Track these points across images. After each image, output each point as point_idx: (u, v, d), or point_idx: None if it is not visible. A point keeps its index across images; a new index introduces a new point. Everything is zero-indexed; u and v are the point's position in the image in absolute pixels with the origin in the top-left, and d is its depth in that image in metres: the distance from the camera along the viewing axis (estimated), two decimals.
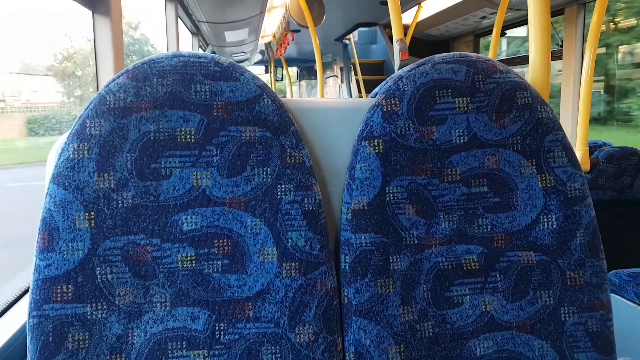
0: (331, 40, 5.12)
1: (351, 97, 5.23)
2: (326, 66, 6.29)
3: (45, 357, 0.64)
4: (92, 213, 0.66)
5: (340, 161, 0.79)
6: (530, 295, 0.75)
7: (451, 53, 0.79)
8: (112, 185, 0.67)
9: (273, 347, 0.69)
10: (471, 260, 0.76)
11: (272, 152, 0.72)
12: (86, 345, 0.65)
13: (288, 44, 4.60)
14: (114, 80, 0.70)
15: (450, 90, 0.75)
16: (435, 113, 0.75)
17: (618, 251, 1.92)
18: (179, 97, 0.70)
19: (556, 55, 2.64)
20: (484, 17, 3.22)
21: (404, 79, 0.76)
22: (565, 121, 2.44)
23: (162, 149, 0.69)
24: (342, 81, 5.98)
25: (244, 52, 5.71)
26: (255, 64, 7.58)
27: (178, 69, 0.70)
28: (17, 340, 0.84)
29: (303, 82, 8.02)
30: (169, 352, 0.67)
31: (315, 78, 7.85)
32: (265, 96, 0.73)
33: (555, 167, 0.77)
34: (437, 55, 0.79)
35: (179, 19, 2.88)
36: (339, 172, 0.79)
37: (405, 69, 0.79)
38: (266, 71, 7.35)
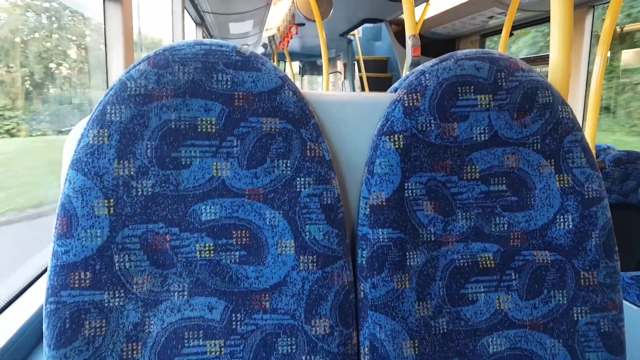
0: (336, 35, 5.11)
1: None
2: (330, 62, 6.28)
3: (62, 344, 0.64)
4: (112, 200, 0.66)
5: (358, 156, 0.79)
6: (544, 294, 0.76)
7: (474, 49, 0.79)
8: (131, 173, 0.67)
9: (289, 339, 0.69)
10: (487, 258, 0.76)
11: (293, 144, 0.72)
12: (103, 333, 0.65)
13: (292, 37, 4.59)
14: (135, 66, 0.69)
15: (472, 87, 0.75)
16: (457, 110, 0.75)
17: (621, 254, 1.92)
18: (200, 85, 0.69)
19: None
20: (491, 17, 3.22)
21: (427, 74, 0.76)
22: None
23: (183, 138, 0.69)
24: (345, 77, 5.98)
25: (247, 45, 5.70)
26: None
27: (200, 57, 0.70)
28: (32, 325, 0.83)
29: (305, 77, 8.00)
30: (186, 341, 0.67)
31: (318, 74, 7.83)
32: (286, 88, 0.72)
33: (574, 168, 0.77)
34: (459, 51, 0.78)
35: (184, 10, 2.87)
36: (357, 166, 0.79)
37: (427, 64, 0.78)
38: None
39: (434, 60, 0.78)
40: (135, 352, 0.66)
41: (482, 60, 0.77)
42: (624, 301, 1.61)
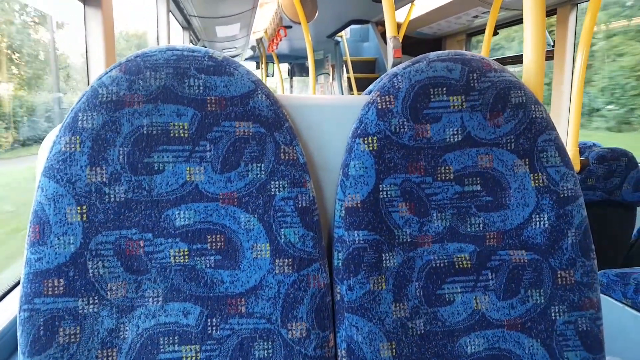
0: (323, 37, 5.11)
1: (343, 94, 5.22)
2: (318, 63, 6.28)
3: (36, 351, 0.63)
4: (84, 207, 0.66)
5: (333, 158, 0.79)
6: (522, 293, 0.76)
7: (446, 51, 0.79)
8: (104, 179, 0.66)
9: (265, 343, 0.69)
10: (463, 258, 0.76)
11: (266, 148, 0.72)
12: (77, 340, 0.65)
13: (280, 40, 4.59)
14: (107, 73, 0.69)
15: (445, 89, 0.76)
16: (430, 111, 0.75)
17: (606, 251, 1.94)
18: (172, 91, 0.69)
19: (547, 56, 2.66)
20: (476, 16, 3.24)
21: (399, 76, 0.76)
22: (555, 121, 2.45)
23: (155, 143, 0.68)
24: (333, 78, 5.98)
25: (235, 48, 5.68)
26: (247, 59, 7.54)
27: (171, 62, 0.70)
28: (8, 334, 0.83)
29: (295, 79, 7.99)
30: (161, 346, 0.67)
31: (307, 75, 7.83)
32: (259, 92, 0.72)
33: (548, 167, 0.77)
34: (432, 53, 0.79)
35: (169, 13, 2.86)
36: (332, 169, 0.79)
37: (400, 66, 0.78)
38: (257, 67, 7.32)
39: (407, 63, 0.79)
40: (110, 358, 0.66)
41: (454, 61, 0.77)
42: (610, 299, 1.62)
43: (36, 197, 0.65)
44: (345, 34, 5.22)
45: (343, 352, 0.72)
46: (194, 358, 0.68)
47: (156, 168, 0.68)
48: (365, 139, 0.74)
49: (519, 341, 0.75)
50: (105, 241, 0.66)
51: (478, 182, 0.77)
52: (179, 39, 4.08)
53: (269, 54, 5.95)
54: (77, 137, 0.66)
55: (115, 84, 0.68)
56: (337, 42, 5.37)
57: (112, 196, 0.67)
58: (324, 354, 0.71)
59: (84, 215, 0.66)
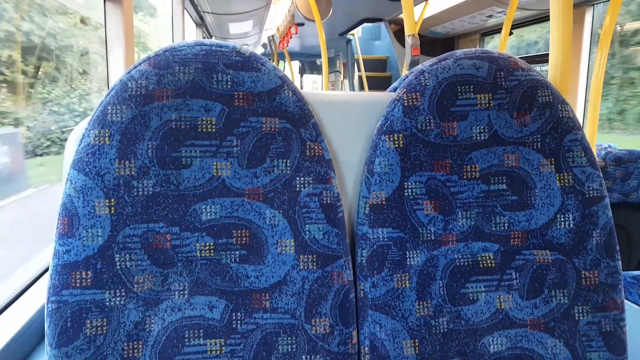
0: (335, 35, 5.11)
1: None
2: (329, 62, 6.28)
3: (63, 343, 0.64)
4: (113, 200, 0.66)
5: (358, 155, 0.79)
6: (545, 293, 0.76)
7: (473, 49, 0.79)
8: (132, 173, 0.67)
9: (289, 338, 0.69)
10: (487, 257, 0.76)
11: (292, 144, 0.72)
12: (104, 332, 0.65)
13: (291, 37, 4.59)
14: (136, 67, 0.69)
15: (472, 86, 0.75)
16: (457, 109, 0.75)
17: (622, 254, 1.92)
18: (200, 86, 0.69)
19: None
20: (490, 16, 3.22)
21: (426, 73, 0.76)
22: None
23: (183, 138, 0.69)
24: (344, 77, 5.97)
25: (247, 45, 5.69)
26: None
27: (200, 57, 0.70)
28: (34, 324, 0.84)
29: (305, 77, 8.00)
30: (186, 340, 0.67)
31: (317, 73, 7.83)
32: (286, 87, 0.72)
33: (574, 167, 0.77)
34: (459, 51, 0.79)
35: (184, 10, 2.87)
36: (356, 165, 0.79)
37: (426, 63, 0.78)
38: None
39: (433, 60, 0.78)
40: (136, 350, 0.66)
41: (481, 59, 0.77)
42: (626, 301, 1.61)
43: (65, 190, 0.66)
44: (357, 32, 5.22)
45: (366, 348, 0.72)
46: (218, 352, 0.68)
47: (184, 162, 0.69)
48: (391, 136, 0.74)
49: (542, 341, 0.75)
50: (133, 234, 0.67)
51: (504, 181, 0.76)
52: (192, 36, 4.10)
53: (280, 51, 5.95)
54: (107, 131, 0.66)
55: (144, 78, 0.68)
56: (349, 41, 5.37)
57: (140, 190, 0.67)
58: (347, 350, 0.71)
59: (112, 208, 0.66)
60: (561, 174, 0.77)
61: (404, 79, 0.79)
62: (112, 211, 0.66)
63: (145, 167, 0.67)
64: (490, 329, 0.74)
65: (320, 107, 0.78)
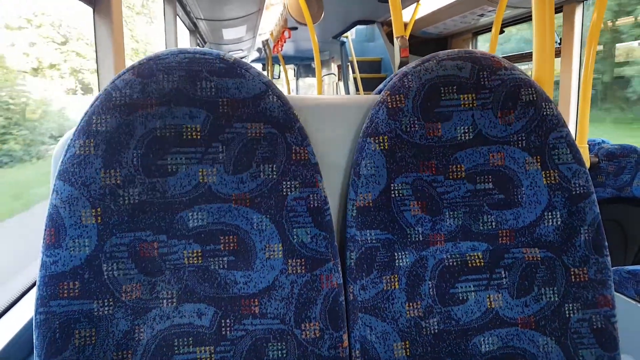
0: (329, 37, 5.12)
1: (349, 95, 5.22)
2: (324, 64, 6.29)
3: (52, 354, 0.64)
4: (99, 209, 0.66)
5: (344, 157, 0.79)
6: (535, 291, 0.76)
7: (456, 50, 0.79)
8: (118, 182, 0.67)
9: (279, 344, 0.69)
10: (476, 257, 0.76)
11: (278, 148, 0.72)
12: (93, 342, 0.65)
13: (285, 42, 4.60)
14: (120, 76, 0.69)
15: (455, 87, 0.76)
16: (441, 110, 0.75)
17: (618, 248, 1.92)
18: (184, 93, 0.69)
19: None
20: (482, 15, 3.22)
21: (409, 75, 0.76)
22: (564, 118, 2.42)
23: (169, 145, 0.69)
24: (339, 79, 5.98)
25: (242, 50, 5.70)
26: (253, 61, 7.57)
27: (184, 65, 0.70)
28: (24, 336, 0.83)
29: (302, 80, 8.01)
30: (176, 348, 0.67)
31: (312, 76, 7.84)
32: (270, 93, 0.72)
33: (560, 164, 0.77)
34: (441, 52, 0.79)
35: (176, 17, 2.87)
36: (343, 168, 0.79)
37: (410, 65, 0.79)
38: (263, 69, 7.35)
39: (416, 62, 0.79)
40: None
41: (463, 60, 0.77)
42: (622, 296, 1.61)
43: (51, 201, 0.66)
44: (351, 34, 5.22)
45: (357, 352, 0.72)
46: (208, 359, 0.68)
47: (169, 170, 0.69)
48: (376, 138, 0.74)
49: (533, 339, 0.75)
50: (120, 243, 0.67)
51: (490, 180, 0.76)
52: (185, 43, 4.10)
53: (274, 55, 5.96)
54: (92, 140, 0.66)
55: (128, 87, 0.68)
56: (343, 43, 5.38)
57: (126, 198, 0.67)
58: (338, 354, 0.71)
59: (99, 218, 0.66)
60: (547, 172, 0.77)
61: (389, 82, 0.79)
62: (99, 221, 0.66)
63: (131, 175, 0.67)
64: (481, 328, 0.74)
65: (307, 110, 0.79)
